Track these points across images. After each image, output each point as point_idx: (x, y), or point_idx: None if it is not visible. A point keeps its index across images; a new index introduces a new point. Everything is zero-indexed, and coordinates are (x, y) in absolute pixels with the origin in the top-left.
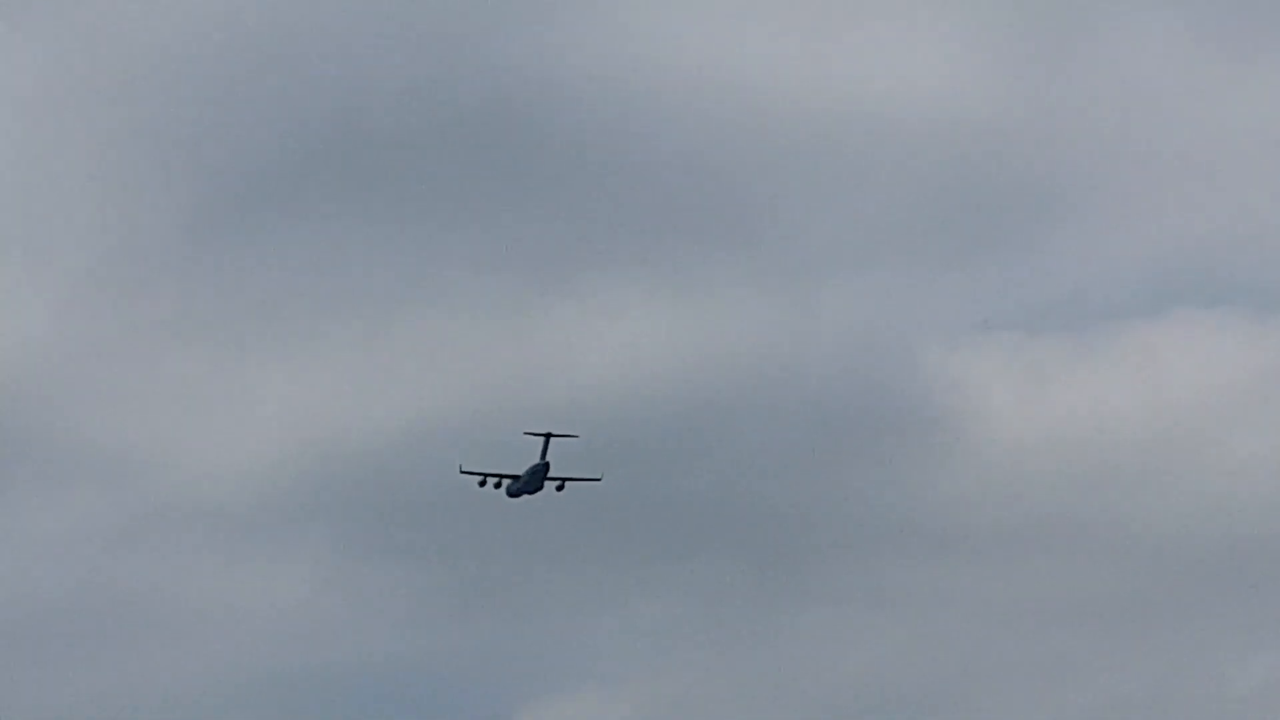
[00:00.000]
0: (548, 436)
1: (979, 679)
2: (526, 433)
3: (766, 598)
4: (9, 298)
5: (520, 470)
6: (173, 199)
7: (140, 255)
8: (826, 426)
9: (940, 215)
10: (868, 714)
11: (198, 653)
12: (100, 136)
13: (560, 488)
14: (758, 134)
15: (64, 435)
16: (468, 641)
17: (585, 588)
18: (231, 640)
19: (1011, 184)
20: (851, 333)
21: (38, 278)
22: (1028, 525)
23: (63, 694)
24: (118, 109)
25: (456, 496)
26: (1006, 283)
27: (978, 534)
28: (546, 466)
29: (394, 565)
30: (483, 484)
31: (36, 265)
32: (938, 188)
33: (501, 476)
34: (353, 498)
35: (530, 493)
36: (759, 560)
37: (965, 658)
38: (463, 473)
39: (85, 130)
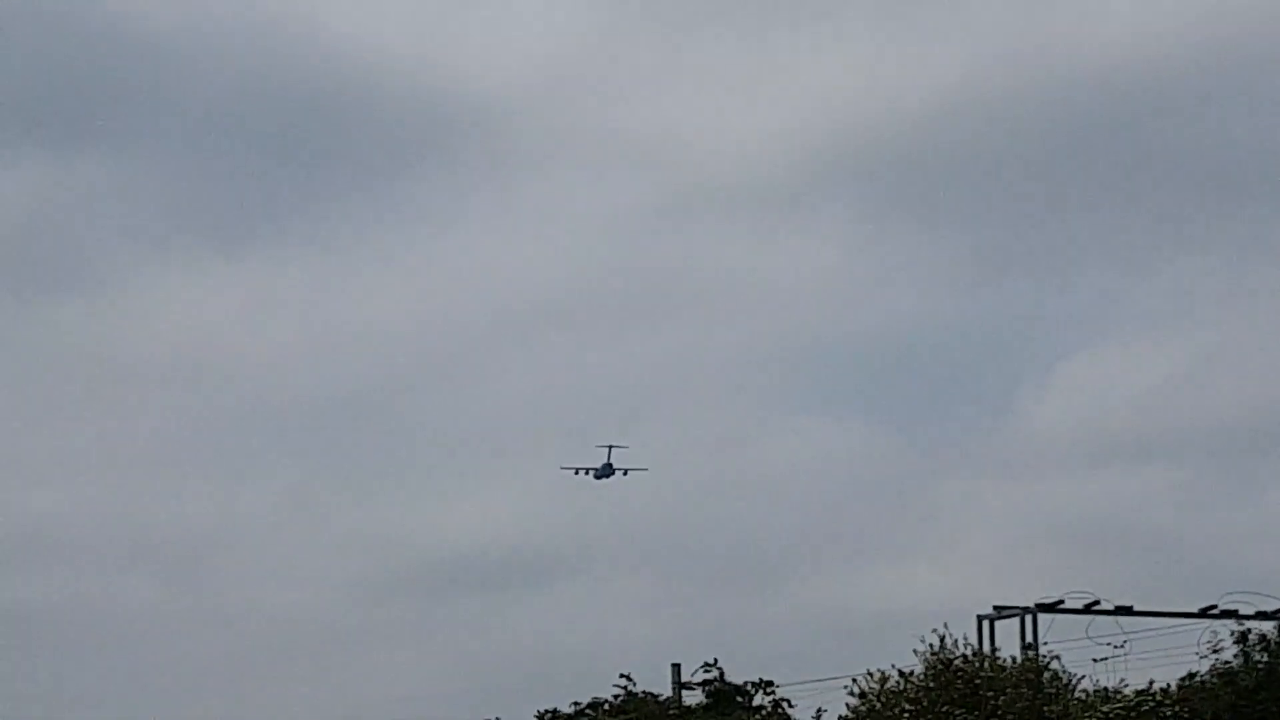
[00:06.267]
0: (610, 448)
1: None
2: (598, 446)
3: None
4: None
5: (598, 465)
6: None
7: None
8: None
9: None
10: None
11: (731, 323)
12: None
13: (625, 474)
14: None
15: (598, 123)
16: (1007, 299)
17: (1125, 244)
18: (763, 311)
19: None
20: None
21: None
22: None
23: (595, 369)
24: None
25: (986, 163)
26: None
27: None
28: (611, 465)
29: (926, 229)
30: (576, 473)
31: None
32: None
33: (588, 469)
34: (882, 166)
35: (607, 477)
36: None
37: None
38: (562, 469)
39: None
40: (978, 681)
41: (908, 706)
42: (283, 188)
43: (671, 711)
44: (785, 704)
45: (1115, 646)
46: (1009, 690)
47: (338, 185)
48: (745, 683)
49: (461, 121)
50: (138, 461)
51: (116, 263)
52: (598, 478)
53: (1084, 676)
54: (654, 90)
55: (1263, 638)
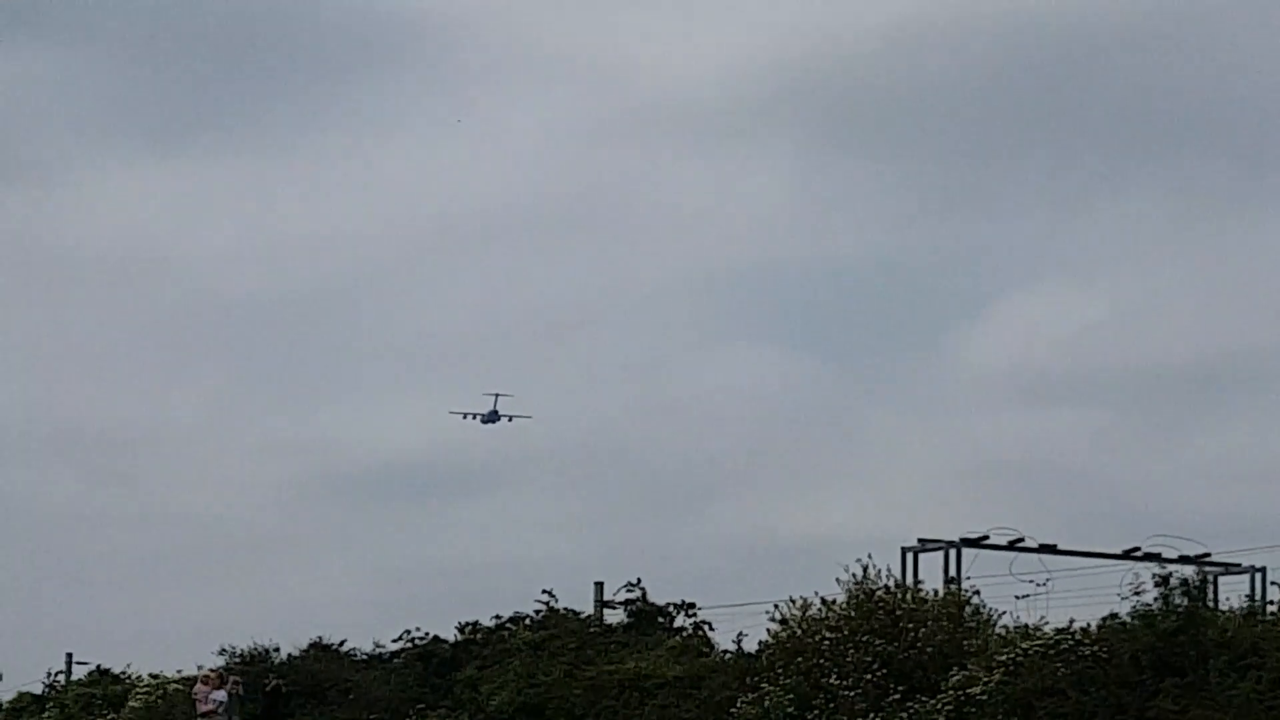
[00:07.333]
0: (497, 395)
1: None
2: (485, 393)
3: (1246, 198)
4: None
5: (485, 411)
6: None
7: None
8: None
9: None
10: None
11: (665, 249)
12: None
13: (510, 420)
14: None
15: (543, 39)
16: (943, 235)
17: (1063, 185)
18: (698, 238)
19: None
20: None
21: None
22: None
23: (529, 286)
24: None
25: (931, 98)
26: None
27: None
28: (497, 412)
29: (868, 162)
30: (464, 418)
31: None
32: None
33: (475, 414)
34: (828, 98)
35: (493, 423)
36: (1240, 159)
37: None
38: (450, 413)
39: None
40: (899, 613)
41: (828, 634)
42: (223, 88)
43: (592, 629)
44: (706, 626)
45: (1038, 584)
46: (929, 623)
47: (279, 88)
48: (667, 604)
49: (407, 29)
50: (66, 354)
51: (52, 154)
52: (484, 422)
53: (1005, 612)
54: (602, 9)
55: (1183, 581)
